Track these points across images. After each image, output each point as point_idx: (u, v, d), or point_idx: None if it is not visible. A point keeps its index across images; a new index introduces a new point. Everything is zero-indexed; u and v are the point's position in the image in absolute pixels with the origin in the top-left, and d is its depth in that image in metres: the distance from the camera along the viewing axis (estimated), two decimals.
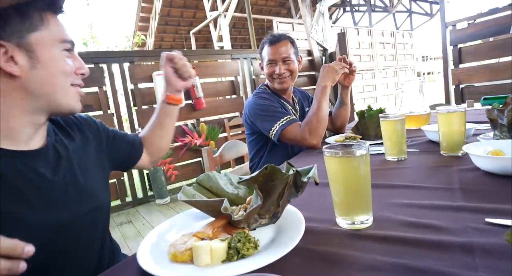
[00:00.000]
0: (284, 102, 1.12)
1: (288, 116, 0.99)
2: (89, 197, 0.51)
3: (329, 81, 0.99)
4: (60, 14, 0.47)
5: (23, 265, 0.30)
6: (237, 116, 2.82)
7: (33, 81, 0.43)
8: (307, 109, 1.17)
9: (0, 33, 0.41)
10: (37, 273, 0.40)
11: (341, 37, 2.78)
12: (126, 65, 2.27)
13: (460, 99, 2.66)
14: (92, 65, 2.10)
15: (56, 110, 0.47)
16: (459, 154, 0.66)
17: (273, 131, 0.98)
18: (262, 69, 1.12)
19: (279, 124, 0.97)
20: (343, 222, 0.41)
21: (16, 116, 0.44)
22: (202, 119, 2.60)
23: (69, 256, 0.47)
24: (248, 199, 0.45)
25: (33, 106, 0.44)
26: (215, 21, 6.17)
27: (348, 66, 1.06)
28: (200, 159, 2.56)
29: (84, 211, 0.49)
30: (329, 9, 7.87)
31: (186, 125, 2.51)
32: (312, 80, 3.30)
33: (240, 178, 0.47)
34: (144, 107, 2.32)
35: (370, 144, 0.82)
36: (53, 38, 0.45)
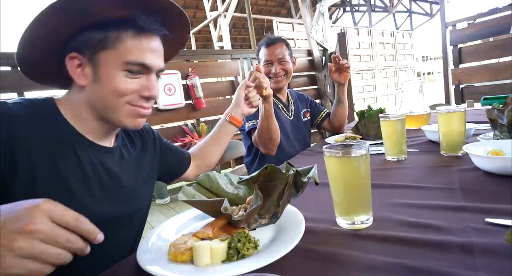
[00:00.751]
0: (277, 101, 1.16)
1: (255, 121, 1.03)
2: (136, 199, 0.55)
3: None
4: (147, 32, 0.47)
5: (88, 250, 0.32)
6: None
7: (93, 93, 0.47)
8: (304, 110, 1.23)
9: (80, 45, 0.45)
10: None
11: (341, 37, 2.79)
12: None
13: (460, 99, 2.66)
14: None
15: (113, 123, 0.49)
16: (459, 154, 0.66)
17: (247, 124, 1.05)
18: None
19: (252, 122, 1.04)
20: (343, 222, 0.41)
21: (88, 119, 0.49)
22: (202, 119, 2.60)
23: (104, 248, 0.47)
24: (248, 199, 0.45)
25: (96, 114, 0.48)
26: (215, 21, 6.17)
27: (335, 64, 1.10)
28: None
29: (128, 210, 0.53)
30: (329, 9, 7.87)
31: (186, 125, 2.51)
32: (312, 80, 3.30)
33: (240, 178, 0.47)
34: None
35: (370, 144, 0.82)
36: (119, 58, 0.45)
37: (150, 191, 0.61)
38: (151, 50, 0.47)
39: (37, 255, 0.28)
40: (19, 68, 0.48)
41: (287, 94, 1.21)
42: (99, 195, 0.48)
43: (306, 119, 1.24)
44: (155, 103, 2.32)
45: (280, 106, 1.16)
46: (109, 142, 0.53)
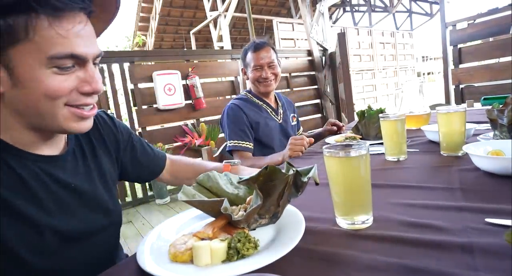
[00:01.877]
0: (266, 106, 1.17)
1: (248, 143, 1.05)
2: (103, 208, 0.49)
3: (283, 157, 0.94)
4: (66, 12, 0.35)
5: None
6: None
7: (16, 100, 0.37)
8: (292, 115, 1.26)
9: None
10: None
11: (341, 37, 2.78)
12: (126, 65, 2.28)
13: (460, 99, 2.66)
14: None
15: (51, 130, 0.41)
16: (459, 154, 0.66)
17: (229, 143, 1.06)
18: (245, 74, 1.18)
19: (236, 143, 1.04)
20: (343, 222, 0.41)
21: (17, 129, 0.40)
22: (202, 119, 2.60)
23: (80, 262, 0.46)
24: (248, 199, 0.45)
25: (27, 123, 0.40)
26: (215, 21, 6.17)
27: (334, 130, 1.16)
28: (200, 159, 2.55)
29: (96, 223, 0.47)
30: (329, 9, 7.87)
31: (186, 125, 2.51)
32: (312, 80, 3.30)
33: (240, 178, 0.47)
34: (144, 107, 2.32)
35: (370, 144, 0.82)
36: (38, 54, 0.35)
37: (115, 194, 0.53)
38: (78, 34, 0.36)
39: None
40: None
41: (275, 97, 1.23)
42: (56, 211, 0.42)
43: (293, 123, 1.26)
44: (155, 102, 2.32)
45: (269, 110, 1.17)
46: (57, 148, 0.45)
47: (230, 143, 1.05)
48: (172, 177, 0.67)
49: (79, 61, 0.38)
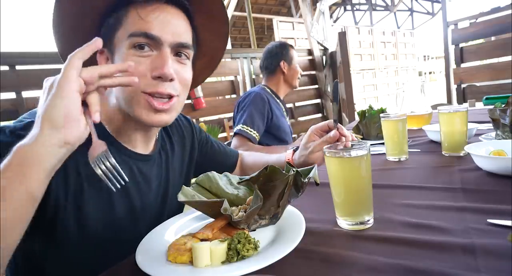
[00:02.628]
0: (281, 105, 1.24)
1: (256, 133, 1.08)
2: (169, 206, 0.52)
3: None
4: (153, 2, 0.41)
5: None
6: None
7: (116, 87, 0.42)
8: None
9: (103, 39, 0.38)
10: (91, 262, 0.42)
11: (342, 36, 2.78)
12: None
13: (462, 99, 2.65)
14: None
15: (135, 120, 0.43)
16: (461, 154, 0.66)
17: (240, 126, 1.09)
18: (283, 68, 1.26)
19: (246, 128, 1.07)
20: (344, 223, 0.40)
21: (122, 121, 0.45)
22: (201, 119, 2.60)
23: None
24: (248, 199, 0.45)
25: (124, 114, 0.44)
26: None
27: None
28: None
29: (161, 216, 0.51)
30: (330, 8, 7.85)
31: None
32: (312, 80, 3.29)
33: (240, 179, 0.47)
34: None
35: (371, 144, 0.82)
36: (124, 35, 0.41)
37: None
38: (157, 19, 0.40)
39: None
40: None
41: None
42: (138, 200, 0.46)
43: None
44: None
45: (283, 109, 1.24)
46: (148, 148, 0.50)
47: (241, 126, 1.08)
48: (243, 173, 0.71)
49: (154, 43, 0.41)
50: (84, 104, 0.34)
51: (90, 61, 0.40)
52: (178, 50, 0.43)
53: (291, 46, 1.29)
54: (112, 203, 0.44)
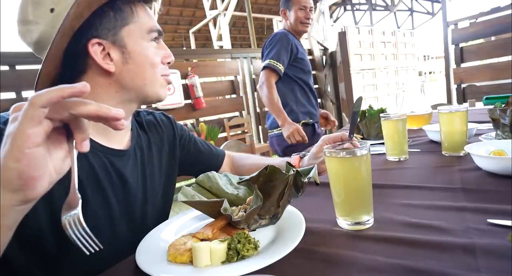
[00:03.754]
0: (301, 43, 1.40)
1: (281, 66, 1.27)
2: (151, 205, 0.51)
3: (287, 132, 1.23)
4: (149, 3, 0.49)
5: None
6: (236, 116, 2.82)
7: (125, 75, 0.45)
8: None
9: (98, 31, 0.43)
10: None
11: (342, 36, 2.77)
12: None
13: (462, 99, 2.65)
14: None
15: (145, 99, 0.49)
16: (461, 154, 0.66)
17: (267, 60, 1.27)
18: (284, 15, 1.38)
19: (273, 62, 1.26)
20: (344, 223, 0.40)
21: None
22: (201, 119, 2.60)
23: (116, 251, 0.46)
24: (248, 199, 0.45)
25: (125, 98, 0.47)
26: (214, 20, 6.16)
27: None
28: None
29: (146, 217, 0.50)
30: (330, 8, 7.84)
31: (186, 125, 2.51)
32: (312, 80, 3.29)
33: (240, 179, 0.47)
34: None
35: (371, 144, 0.82)
36: (142, 29, 0.46)
37: (170, 194, 0.57)
38: (154, 17, 0.48)
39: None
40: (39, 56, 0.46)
41: None
42: (115, 202, 0.45)
43: None
44: (154, 103, 2.31)
45: (303, 47, 1.41)
46: (124, 143, 0.50)
47: (268, 61, 1.26)
48: (236, 173, 0.70)
49: (159, 36, 0.49)
50: (65, 125, 0.28)
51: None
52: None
53: None
54: (86, 197, 0.42)
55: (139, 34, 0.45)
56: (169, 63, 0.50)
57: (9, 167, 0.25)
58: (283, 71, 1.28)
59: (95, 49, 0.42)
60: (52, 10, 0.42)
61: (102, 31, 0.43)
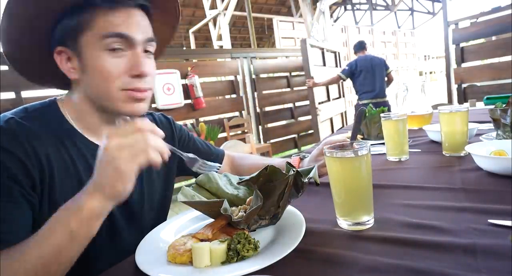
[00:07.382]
0: None
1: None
2: (150, 206, 0.52)
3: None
4: (120, 6, 0.42)
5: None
6: (236, 116, 2.82)
7: (85, 84, 0.44)
8: None
9: (62, 36, 0.42)
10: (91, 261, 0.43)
11: (303, 44, 2.62)
12: None
13: (462, 99, 2.65)
14: None
15: (111, 111, 0.46)
16: (462, 154, 0.65)
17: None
18: None
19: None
20: (344, 223, 0.40)
21: (91, 113, 0.46)
22: (201, 119, 2.60)
23: (108, 253, 0.47)
24: (248, 200, 0.45)
25: (96, 106, 0.45)
26: (214, 19, 6.15)
27: None
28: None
29: (143, 218, 0.50)
30: (330, 7, 7.82)
31: (186, 125, 2.51)
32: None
33: (240, 179, 0.47)
34: None
35: (372, 144, 0.82)
36: (95, 37, 0.41)
37: (167, 197, 0.57)
38: (129, 23, 0.42)
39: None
40: (14, 69, 0.46)
41: None
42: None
43: None
44: (154, 102, 2.31)
45: None
46: None
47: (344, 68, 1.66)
48: (236, 173, 0.69)
49: (128, 44, 0.43)
50: None
51: (46, 61, 0.44)
52: (146, 46, 0.45)
53: None
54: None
55: (94, 42, 0.41)
56: (138, 75, 0.43)
57: (115, 186, 0.34)
58: None
59: (61, 57, 0.43)
60: None
61: (63, 38, 0.42)
